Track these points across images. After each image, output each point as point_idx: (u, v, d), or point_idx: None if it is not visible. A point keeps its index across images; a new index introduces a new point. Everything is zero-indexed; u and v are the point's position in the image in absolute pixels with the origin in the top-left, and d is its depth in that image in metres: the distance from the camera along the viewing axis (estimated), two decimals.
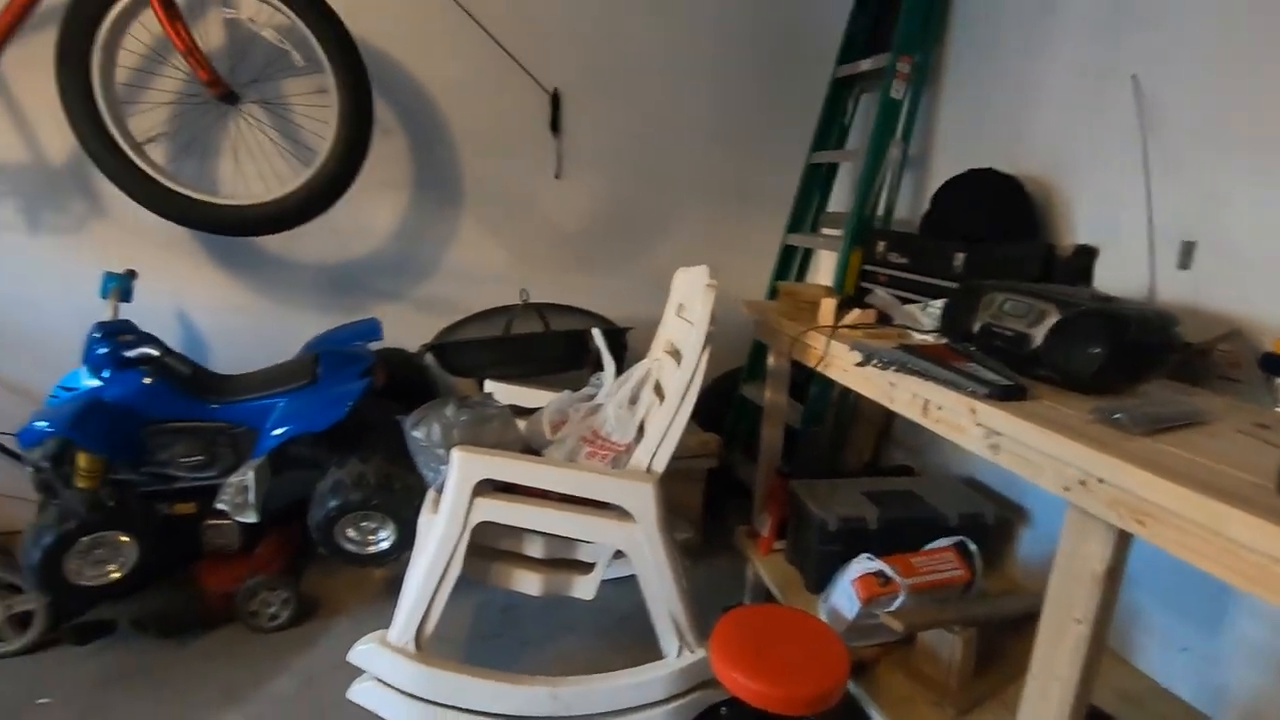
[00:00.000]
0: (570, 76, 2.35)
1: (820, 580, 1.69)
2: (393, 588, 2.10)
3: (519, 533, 1.56)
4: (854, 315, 1.64)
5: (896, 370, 1.27)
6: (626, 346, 2.20)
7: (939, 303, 1.61)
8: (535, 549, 1.58)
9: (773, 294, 2.57)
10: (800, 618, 1.38)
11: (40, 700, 1.60)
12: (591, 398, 1.80)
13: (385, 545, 1.85)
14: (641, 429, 1.64)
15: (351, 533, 1.83)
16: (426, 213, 2.34)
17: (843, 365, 1.51)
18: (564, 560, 1.64)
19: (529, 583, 1.60)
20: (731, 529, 2.12)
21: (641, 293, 2.52)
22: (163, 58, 1.96)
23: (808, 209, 2.58)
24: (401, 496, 1.80)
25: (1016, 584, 1.82)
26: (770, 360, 1.96)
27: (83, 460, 1.69)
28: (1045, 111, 1.84)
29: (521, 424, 1.74)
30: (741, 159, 2.61)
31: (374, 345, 2.09)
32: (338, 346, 2.01)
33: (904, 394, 1.29)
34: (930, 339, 1.48)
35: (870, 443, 2.42)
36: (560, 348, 2.03)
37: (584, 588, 1.64)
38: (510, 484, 1.50)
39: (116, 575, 1.71)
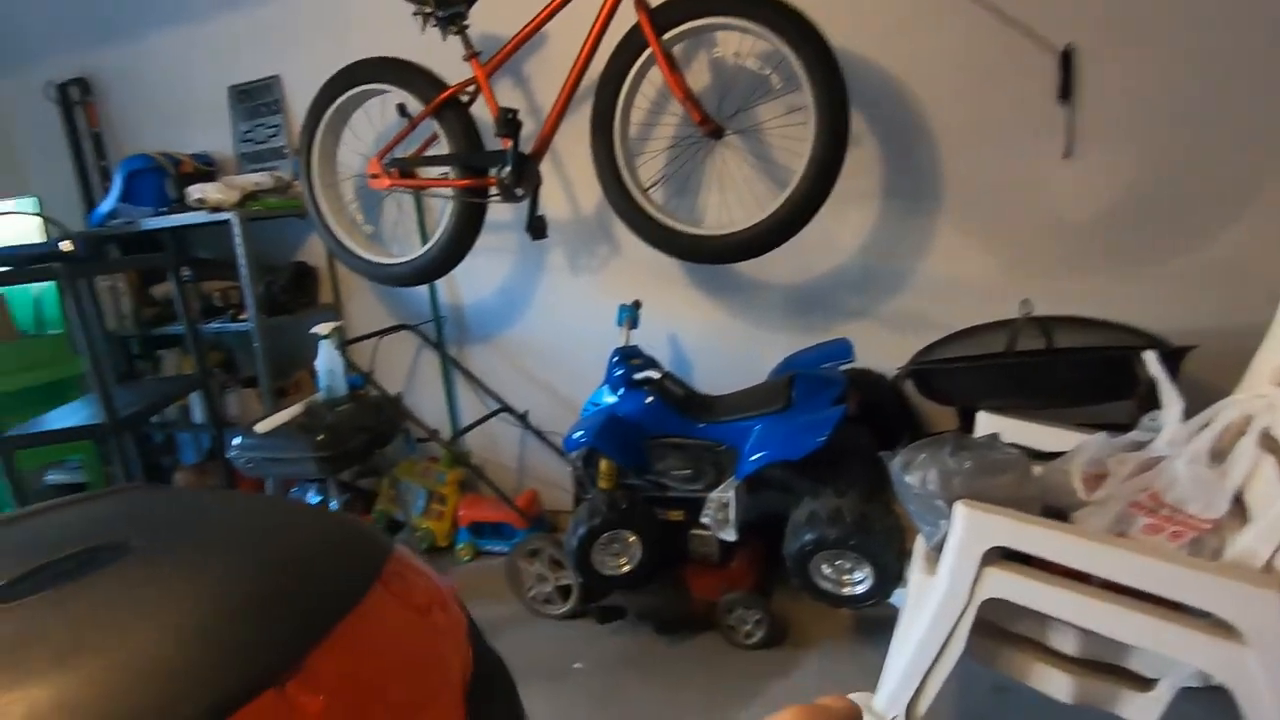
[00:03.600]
0: (1087, 25, 1.85)
1: None
2: (864, 626, 1.96)
3: (1043, 617, 1.22)
4: None
5: None
6: (1179, 372, 1.61)
7: None
8: (1066, 642, 1.22)
9: None
10: None
11: (575, 664, 1.92)
12: (1142, 445, 1.34)
13: (861, 589, 1.70)
14: (1238, 500, 1.13)
15: (826, 569, 1.73)
16: (897, 221, 2.13)
17: None
18: (1106, 663, 1.23)
19: (1054, 683, 1.24)
20: None
21: (1195, 297, 1.86)
22: (662, 108, 2.20)
23: None
24: (881, 539, 1.63)
25: None
26: None
27: (604, 466, 1.98)
28: None
29: (1036, 470, 1.39)
30: None
31: (843, 367, 1.98)
32: (809, 368, 1.96)
33: None
34: None
35: None
36: (1086, 373, 1.58)
37: (1138, 709, 1.21)
38: (1031, 554, 1.18)
39: (626, 568, 1.96)
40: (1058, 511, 1.31)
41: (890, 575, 1.65)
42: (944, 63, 1.98)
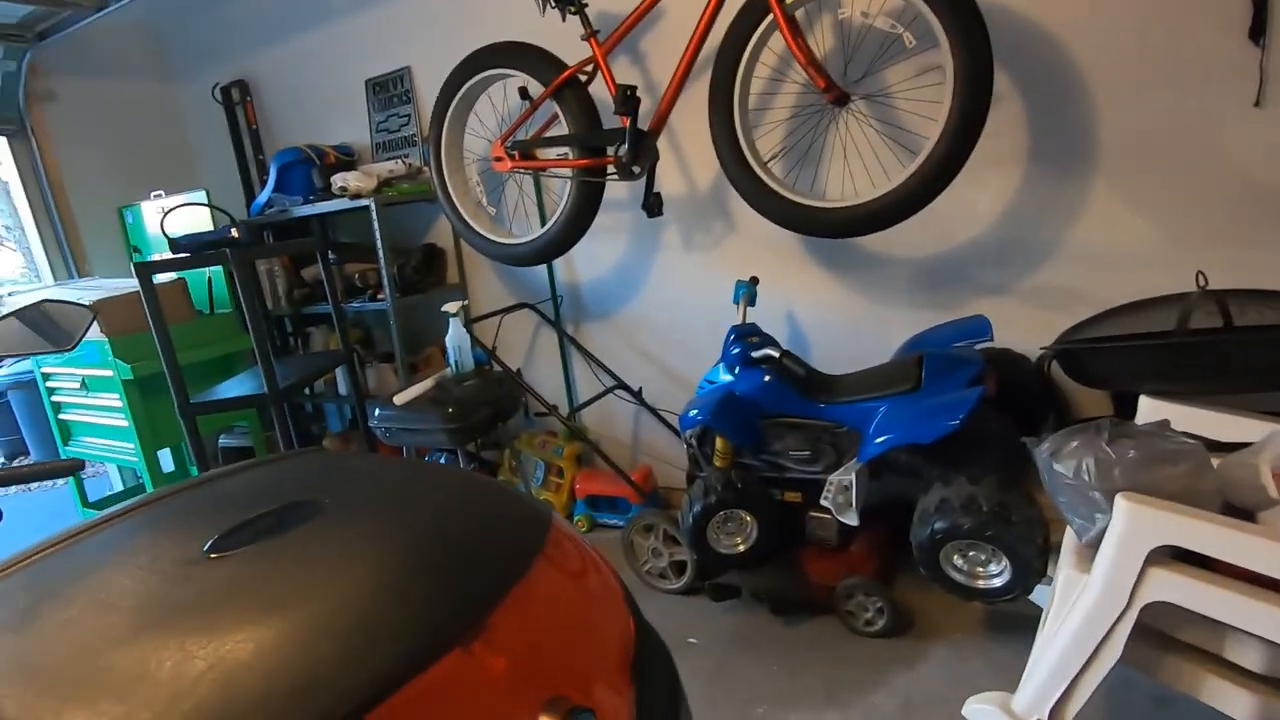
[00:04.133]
0: None
1: None
2: (996, 621, 1.85)
3: (1219, 626, 1.10)
4: None
5: None
6: None
7: None
8: (1249, 656, 1.08)
9: None
10: None
11: (690, 640, 1.94)
12: None
13: (997, 583, 1.60)
14: None
15: (958, 560, 1.64)
16: (1043, 187, 1.94)
17: None
18: None
19: (1232, 701, 1.11)
20: None
21: None
22: (782, 76, 2.12)
23: None
24: (1020, 530, 1.52)
25: None
26: None
27: (719, 444, 1.96)
28: None
29: (1214, 462, 1.23)
30: None
31: (979, 346, 1.85)
32: (941, 347, 1.84)
33: None
34: None
35: None
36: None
37: None
38: (1207, 556, 1.06)
39: (741, 547, 1.94)
40: (1242, 510, 1.16)
41: (1030, 570, 1.54)
42: (1100, 7, 1.77)
